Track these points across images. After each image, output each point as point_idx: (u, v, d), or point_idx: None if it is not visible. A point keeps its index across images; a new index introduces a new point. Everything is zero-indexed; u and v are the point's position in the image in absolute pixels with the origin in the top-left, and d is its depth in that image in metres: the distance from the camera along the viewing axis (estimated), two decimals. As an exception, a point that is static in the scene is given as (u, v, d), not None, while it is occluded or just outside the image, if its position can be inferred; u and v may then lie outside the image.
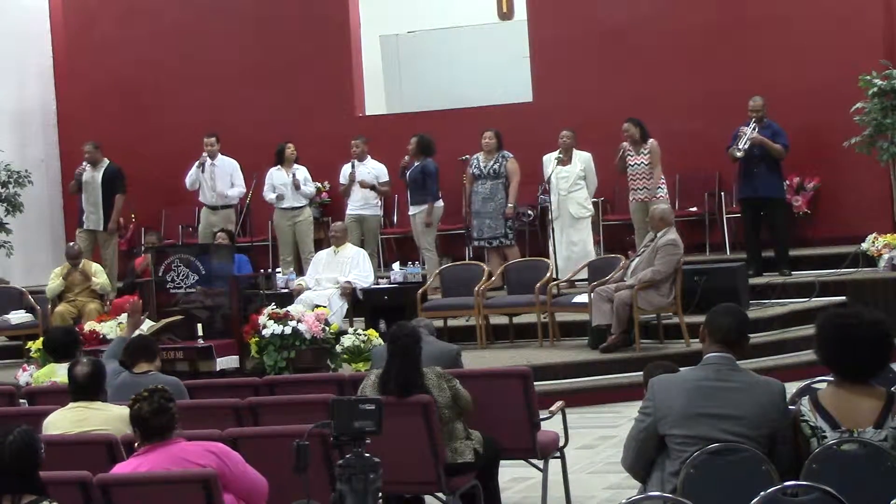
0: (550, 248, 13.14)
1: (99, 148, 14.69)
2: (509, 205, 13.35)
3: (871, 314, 4.89)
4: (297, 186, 14.05)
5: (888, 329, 4.89)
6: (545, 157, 13.48)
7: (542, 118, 14.62)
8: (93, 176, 14.61)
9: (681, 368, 5.76)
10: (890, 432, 4.73)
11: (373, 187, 14.07)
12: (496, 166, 13.43)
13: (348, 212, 14.17)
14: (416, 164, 13.70)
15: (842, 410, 4.80)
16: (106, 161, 14.69)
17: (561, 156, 13.29)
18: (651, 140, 12.95)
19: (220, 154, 14.54)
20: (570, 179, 13.23)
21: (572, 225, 13.25)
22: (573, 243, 13.22)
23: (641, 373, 10.07)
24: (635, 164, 12.99)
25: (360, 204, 14.11)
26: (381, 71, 17.05)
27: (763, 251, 13.27)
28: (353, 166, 14.16)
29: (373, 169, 14.17)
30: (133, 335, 8.26)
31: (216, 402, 7.08)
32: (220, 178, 14.45)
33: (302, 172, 14.17)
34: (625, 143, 13.03)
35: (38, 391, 8.15)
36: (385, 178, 14.17)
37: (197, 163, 14.48)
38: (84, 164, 14.75)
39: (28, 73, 17.00)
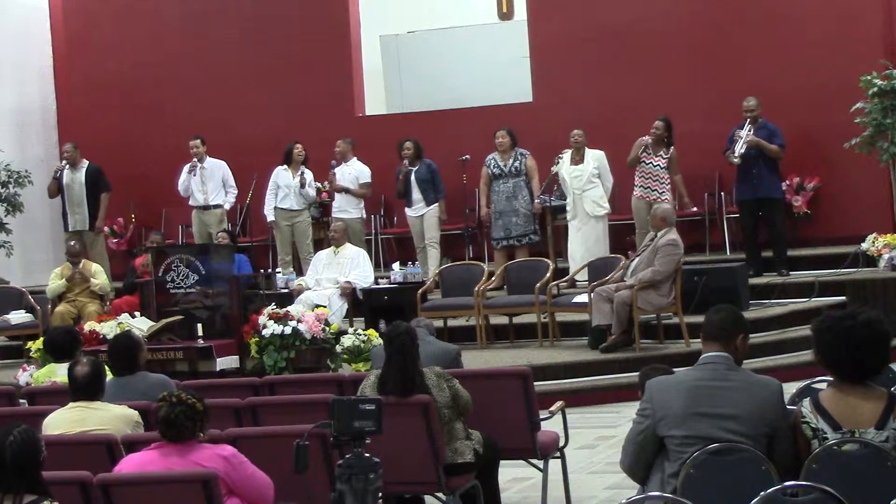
0: (554, 248, 13.14)
1: (78, 148, 14.70)
2: (536, 201, 13.36)
3: (868, 314, 4.88)
4: (301, 185, 13.98)
5: (886, 329, 4.88)
6: (561, 155, 13.45)
7: (542, 118, 14.62)
8: (73, 177, 14.62)
9: (678, 369, 5.75)
10: (891, 433, 4.72)
11: (346, 190, 14.00)
12: (516, 164, 13.45)
13: (332, 214, 14.15)
14: (413, 168, 13.69)
15: (843, 412, 4.79)
16: (85, 161, 14.70)
17: (574, 155, 13.29)
18: (673, 148, 12.95)
19: (207, 156, 14.53)
20: (584, 178, 13.22)
21: (588, 223, 13.24)
22: (589, 241, 13.19)
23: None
24: (648, 163, 12.96)
25: (340, 207, 14.07)
26: (381, 71, 17.04)
27: (763, 251, 13.27)
28: (332, 167, 14.16)
29: (354, 170, 14.13)
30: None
31: (216, 402, 7.05)
32: (210, 179, 14.44)
33: (309, 175, 14.12)
34: (646, 138, 12.98)
35: (38, 391, 8.15)
36: (366, 179, 14.08)
37: (187, 168, 14.45)
38: (63, 163, 14.76)
39: (28, 73, 16.99)
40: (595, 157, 13.29)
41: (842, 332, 4.81)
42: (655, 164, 12.96)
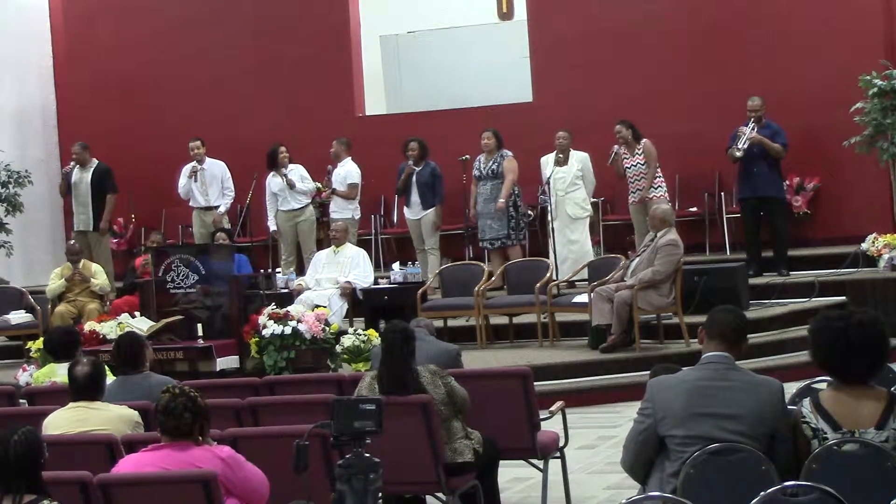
0: (550, 249, 13.15)
1: (87, 149, 14.69)
2: (500, 201, 13.29)
3: (862, 316, 4.87)
4: (291, 186, 13.98)
5: (882, 329, 4.86)
6: (543, 159, 13.49)
7: (542, 118, 14.61)
8: (81, 176, 14.62)
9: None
10: (891, 433, 4.72)
11: (333, 191, 13.96)
12: (494, 166, 13.41)
13: (330, 215, 14.15)
14: (417, 168, 13.68)
15: (843, 412, 4.79)
16: (95, 161, 14.69)
17: (559, 156, 13.30)
18: (644, 140, 12.95)
19: (206, 157, 14.53)
20: (567, 180, 13.24)
21: (569, 225, 13.25)
22: (571, 243, 13.23)
23: (641, 373, 10.09)
24: (632, 165, 12.99)
25: (333, 208, 14.05)
26: (381, 71, 17.04)
27: (763, 251, 13.27)
28: (328, 171, 14.16)
29: (344, 171, 14.07)
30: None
31: (216, 402, 7.05)
32: (210, 181, 14.44)
33: (297, 171, 14.08)
34: (616, 146, 13.02)
35: (38, 391, 8.14)
36: (353, 180, 14.00)
37: (188, 171, 14.46)
38: (71, 164, 14.76)
39: (28, 73, 16.99)
40: (579, 159, 13.29)
41: (835, 333, 4.81)
42: (636, 163, 12.97)
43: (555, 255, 12.91)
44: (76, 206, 14.70)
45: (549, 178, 13.28)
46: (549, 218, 13.37)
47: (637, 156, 12.95)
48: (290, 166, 14.06)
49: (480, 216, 13.46)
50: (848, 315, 4.86)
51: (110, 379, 7.26)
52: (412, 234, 13.99)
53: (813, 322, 4.96)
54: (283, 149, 14.06)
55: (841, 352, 4.79)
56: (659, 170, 13.00)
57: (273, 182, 14.11)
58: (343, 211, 13.99)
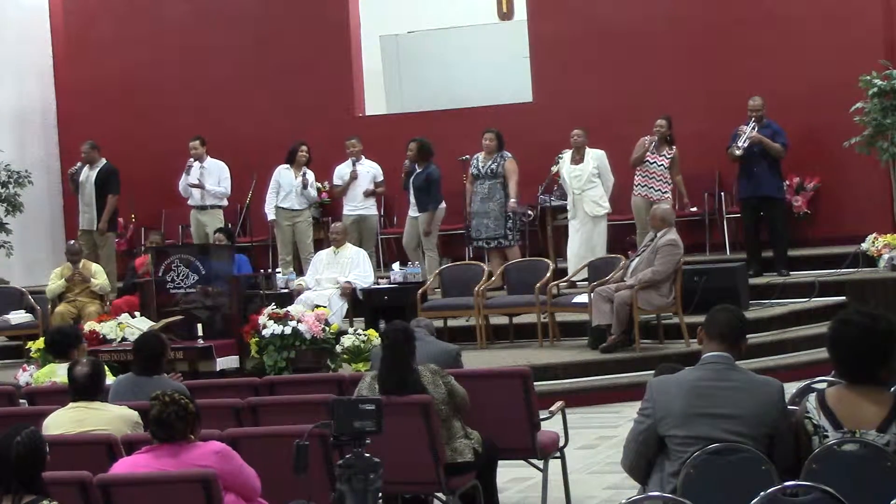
0: (550, 248, 13.13)
1: (96, 148, 14.68)
2: (511, 201, 13.30)
3: (887, 317, 4.86)
4: (304, 185, 14.01)
5: (888, 330, 4.84)
6: (561, 155, 13.47)
7: (542, 118, 14.63)
8: (88, 175, 14.62)
9: (682, 369, 5.75)
10: (893, 438, 4.70)
11: (373, 192, 14.08)
12: (493, 166, 13.41)
13: (346, 212, 14.14)
14: (418, 169, 13.66)
15: (846, 411, 4.78)
16: (102, 161, 14.67)
17: (573, 154, 13.30)
18: (675, 147, 12.98)
19: (207, 157, 14.52)
20: (584, 178, 13.22)
21: (587, 223, 13.24)
22: (588, 241, 13.20)
23: (641, 373, 10.09)
24: (652, 162, 12.96)
25: (360, 204, 14.09)
26: (381, 71, 17.04)
27: (763, 251, 13.27)
28: (353, 165, 14.14)
29: (371, 168, 14.17)
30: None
31: (216, 402, 7.07)
32: (209, 179, 14.43)
33: (311, 176, 14.14)
34: (649, 138, 12.98)
35: (38, 391, 8.15)
36: (381, 177, 14.18)
37: (186, 168, 14.46)
38: (78, 163, 14.77)
39: (28, 73, 16.99)
40: (595, 157, 13.29)
41: (860, 333, 4.78)
42: (659, 163, 12.97)
43: (554, 254, 12.91)
44: (81, 205, 14.72)
45: (562, 174, 13.28)
46: (567, 216, 13.36)
47: (664, 157, 12.94)
48: (305, 169, 14.09)
49: (476, 215, 13.45)
50: (874, 316, 4.84)
51: (110, 379, 7.27)
52: (406, 231, 13.96)
53: (834, 319, 4.95)
54: (304, 148, 14.12)
55: (859, 353, 4.77)
56: None
57: (283, 174, 14.11)
58: (370, 208, 14.11)
